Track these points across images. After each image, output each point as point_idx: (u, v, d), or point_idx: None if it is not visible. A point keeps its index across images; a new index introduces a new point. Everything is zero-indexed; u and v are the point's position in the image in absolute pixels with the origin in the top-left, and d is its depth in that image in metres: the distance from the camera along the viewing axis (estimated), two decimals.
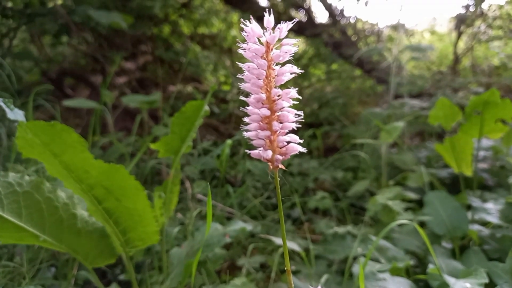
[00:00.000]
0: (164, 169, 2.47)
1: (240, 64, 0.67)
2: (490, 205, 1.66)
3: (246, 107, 0.69)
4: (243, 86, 0.68)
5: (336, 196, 2.42)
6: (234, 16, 4.50)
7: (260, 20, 0.67)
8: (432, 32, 5.08)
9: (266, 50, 0.67)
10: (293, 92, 0.68)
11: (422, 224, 1.78)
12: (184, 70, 3.91)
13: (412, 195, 2.01)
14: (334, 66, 4.41)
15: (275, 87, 0.68)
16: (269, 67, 0.67)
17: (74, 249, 0.95)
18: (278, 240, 1.46)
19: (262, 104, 0.68)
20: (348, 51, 3.84)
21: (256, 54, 0.67)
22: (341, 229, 1.70)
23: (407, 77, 3.60)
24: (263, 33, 0.67)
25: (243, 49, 0.67)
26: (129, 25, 3.19)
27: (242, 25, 0.66)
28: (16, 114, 0.84)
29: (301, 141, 0.69)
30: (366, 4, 3.89)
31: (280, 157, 0.68)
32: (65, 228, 0.92)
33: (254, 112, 0.68)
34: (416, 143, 3.17)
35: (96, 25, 3.17)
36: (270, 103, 0.68)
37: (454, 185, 2.23)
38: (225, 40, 4.53)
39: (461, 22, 3.92)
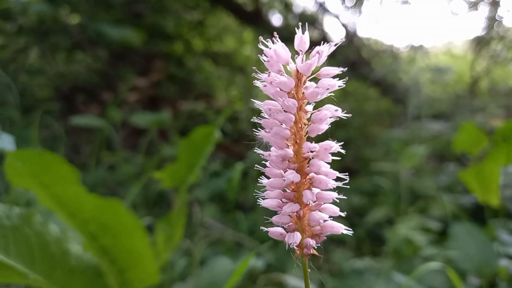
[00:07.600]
0: (171, 191, 2.39)
1: (258, 103, 0.47)
2: None
3: (263, 162, 0.48)
4: (261, 134, 0.47)
5: (352, 222, 2.30)
6: (247, 34, 4.48)
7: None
8: (448, 54, 5.00)
9: (297, 84, 0.46)
10: (335, 146, 0.49)
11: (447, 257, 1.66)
12: (196, 87, 3.87)
13: (434, 225, 1.89)
14: (350, 87, 4.34)
15: (309, 140, 0.48)
16: (299, 108, 0.47)
17: None
18: (291, 280, 1.34)
19: (289, 163, 0.47)
20: (363, 71, 3.76)
21: (281, 89, 0.45)
22: (358, 263, 1.58)
23: (424, 99, 3.50)
24: (293, 59, 0.46)
25: (262, 82, 0.46)
26: (143, 43, 3.17)
27: (261, 46, 0.46)
28: (3, 141, 0.76)
29: (343, 214, 0.48)
30: (380, 22, 3.83)
31: (312, 242, 0.47)
32: (57, 265, 0.84)
33: (276, 174, 0.47)
34: (433, 165, 3.05)
35: (109, 43, 3.16)
36: (300, 162, 0.47)
37: (477, 213, 2.11)
38: (238, 58, 4.50)
39: (479, 44, 3.86)
